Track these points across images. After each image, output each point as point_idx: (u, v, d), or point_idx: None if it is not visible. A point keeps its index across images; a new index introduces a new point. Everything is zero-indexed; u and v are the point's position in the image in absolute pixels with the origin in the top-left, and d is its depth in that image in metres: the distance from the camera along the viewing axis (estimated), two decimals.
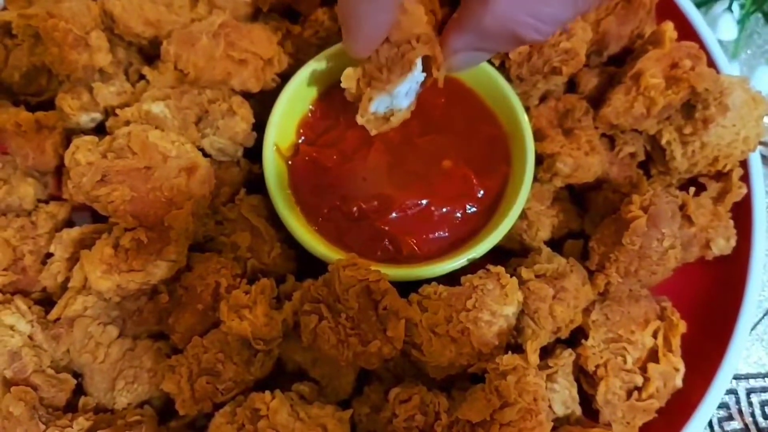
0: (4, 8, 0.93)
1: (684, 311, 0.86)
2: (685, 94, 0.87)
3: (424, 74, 0.79)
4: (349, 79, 0.79)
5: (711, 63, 0.94)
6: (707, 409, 0.83)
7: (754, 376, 1.04)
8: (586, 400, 0.84)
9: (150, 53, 0.95)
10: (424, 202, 0.87)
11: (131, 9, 0.90)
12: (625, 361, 0.82)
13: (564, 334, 0.84)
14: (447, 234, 0.87)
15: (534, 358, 0.77)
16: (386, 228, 0.86)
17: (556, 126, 0.93)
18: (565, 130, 0.92)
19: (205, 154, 0.90)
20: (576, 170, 0.88)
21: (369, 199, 0.87)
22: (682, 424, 0.83)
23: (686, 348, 0.84)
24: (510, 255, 0.92)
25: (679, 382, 0.83)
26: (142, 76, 0.93)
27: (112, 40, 0.91)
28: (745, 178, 0.92)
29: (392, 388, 0.79)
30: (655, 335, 0.84)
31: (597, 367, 0.82)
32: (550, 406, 0.81)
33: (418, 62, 0.76)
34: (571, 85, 0.98)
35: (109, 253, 0.78)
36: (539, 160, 0.90)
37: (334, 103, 0.93)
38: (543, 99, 0.97)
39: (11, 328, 0.81)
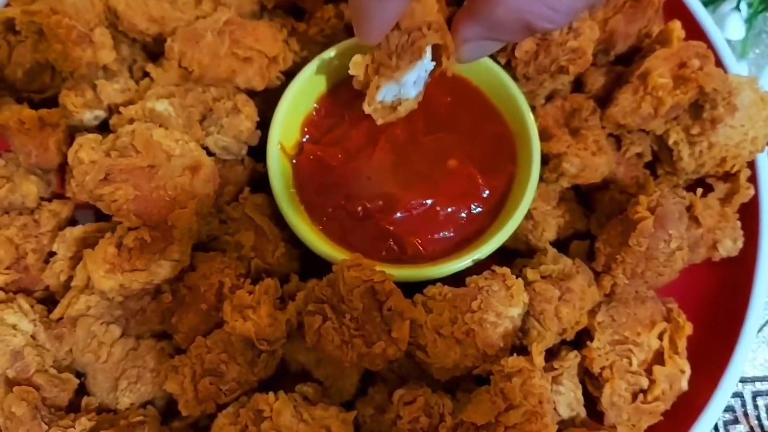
0: (8, 4, 0.93)
1: (690, 313, 0.85)
2: (693, 94, 0.87)
3: (434, 63, 0.78)
4: (357, 66, 0.78)
5: (719, 62, 0.94)
6: (713, 412, 0.83)
7: (761, 379, 1.03)
8: (591, 402, 0.84)
9: (154, 50, 0.95)
10: (429, 201, 0.86)
11: (135, 6, 0.90)
12: (630, 363, 0.82)
13: (569, 336, 0.83)
14: (452, 234, 0.87)
15: (539, 360, 0.77)
16: (391, 228, 0.86)
17: (562, 125, 0.92)
18: (571, 129, 0.91)
19: (210, 153, 0.89)
20: (582, 170, 0.88)
21: (374, 199, 0.87)
22: (688, 427, 0.82)
23: (692, 350, 0.84)
24: (515, 255, 0.92)
25: (684, 384, 0.82)
26: (146, 74, 0.93)
27: (116, 37, 0.91)
28: (753, 179, 0.92)
29: (396, 390, 0.78)
30: (661, 337, 0.83)
31: (602, 369, 0.82)
32: (555, 409, 0.80)
33: (428, 50, 0.76)
34: (578, 85, 0.97)
35: (113, 252, 0.78)
36: (545, 159, 0.89)
37: (339, 102, 0.93)
38: (549, 98, 0.96)
39: (14, 327, 0.81)
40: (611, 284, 0.83)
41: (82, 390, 0.84)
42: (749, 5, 1.22)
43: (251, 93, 0.92)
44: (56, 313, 0.83)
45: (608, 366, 0.82)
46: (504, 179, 0.89)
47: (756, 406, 1.02)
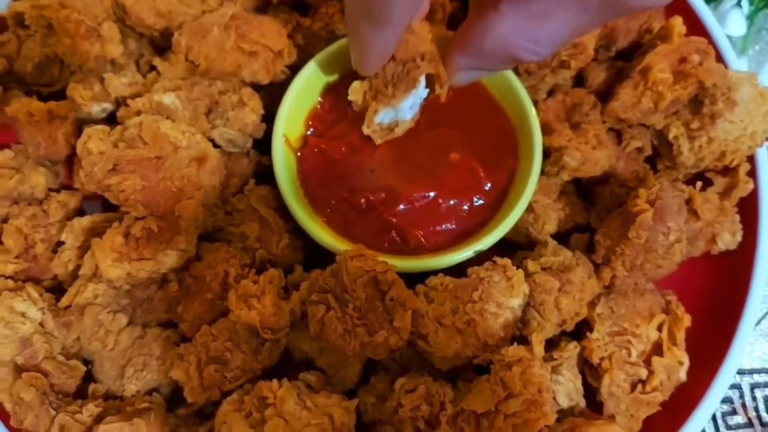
0: None
1: (689, 306, 0.86)
2: (692, 89, 0.88)
3: (428, 90, 0.83)
4: (356, 92, 0.83)
5: (719, 58, 0.95)
6: (711, 403, 0.83)
7: (758, 371, 1.04)
8: (591, 392, 0.84)
9: (161, 45, 0.96)
10: (431, 194, 0.87)
11: (143, 1, 0.91)
12: (629, 354, 0.82)
13: (569, 327, 0.84)
14: (454, 226, 0.88)
15: (539, 349, 0.77)
16: (393, 220, 0.86)
17: (563, 120, 0.93)
18: (572, 124, 0.92)
19: (215, 145, 0.90)
20: (583, 164, 0.89)
21: (377, 191, 0.87)
22: (686, 418, 0.83)
23: (690, 342, 0.85)
24: (516, 248, 0.92)
25: (683, 375, 0.83)
26: (152, 68, 0.94)
27: (123, 32, 0.92)
28: (752, 174, 0.92)
29: (398, 378, 0.79)
30: (659, 329, 0.84)
31: (601, 359, 0.82)
32: (554, 398, 0.81)
33: (422, 79, 0.80)
34: (579, 80, 0.98)
35: (120, 241, 0.79)
36: (546, 153, 0.90)
37: (342, 96, 0.93)
38: (551, 93, 0.97)
39: (23, 315, 0.82)
40: (611, 276, 0.84)
41: (89, 377, 0.85)
42: (750, 2, 1.22)
43: (256, 87, 0.93)
44: (64, 302, 0.84)
45: (607, 357, 0.82)
46: (506, 173, 0.90)
47: (754, 398, 1.03)
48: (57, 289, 0.88)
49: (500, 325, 0.79)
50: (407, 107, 0.84)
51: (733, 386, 1.03)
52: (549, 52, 0.67)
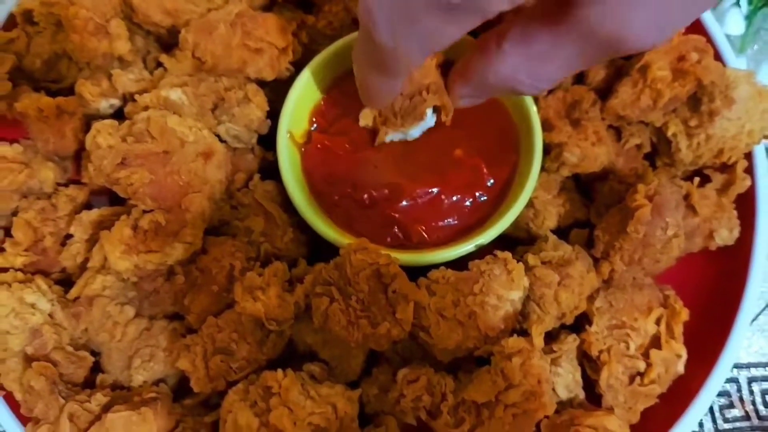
0: None
1: (687, 300, 0.86)
2: (691, 87, 0.88)
3: (435, 116, 0.88)
4: (366, 117, 0.88)
5: (718, 57, 0.95)
6: (708, 396, 0.84)
7: (756, 365, 1.05)
8: (590, 384, 0.85)
9: (168, 42, 0.97)
10: (434, 190, 0.88)
11: None
12: (627, 347, 0.83)
13: (569, 320, 0.85)
14: (456, 221, 0.88)
15: (539, 341, 0.78)
16: (396, 215, 0.87)
17: (563, 117, 0.93)
18: (572, 120, 0.93)
19: (221, 141, 0.91)
20: (583, 160, 0.89)
21: (380, 187, 0.88)
22: (683, 410, 0.84)
23: (688, 337, 0.85)
24: (517, 243, 0.93)
25: (680, 368, 0.84)
26: (159, 64, 0.95)
27: (131, 29, 0.92)
28: (750, 171, 0.93)
29: (400, 370, 0.80)
30: (658, 322, 0.84)
31: (600, 352, 0.83)
32: (553, 390, 0.82)
33: (429, 110, 0.85)
34: (579, 77, 0.98)
35: (128, 234, 0.80)
36: (547, 150, 0.91)
37: (346, 93, 0.94)
38: (551, 90, 0.97)
39: (32, 306, 0.83)
40: (610, 270, 0.85)
41: (97, 367, 0.86)
42: (749, 2, 1.23)
43: (261, 83, 0.94)
44: (73, 293, 0.85)
45: (606, 350, 0.83)
46: (507, 169, 0.91)
47: (751, 392, 1.03)
48: (66, 281, 0.89)
49: (500, 317, 0.80)
50: (415, 132, 0.89)
51: (731, 380, 1.04)
52: (548, 87, 0.71)
